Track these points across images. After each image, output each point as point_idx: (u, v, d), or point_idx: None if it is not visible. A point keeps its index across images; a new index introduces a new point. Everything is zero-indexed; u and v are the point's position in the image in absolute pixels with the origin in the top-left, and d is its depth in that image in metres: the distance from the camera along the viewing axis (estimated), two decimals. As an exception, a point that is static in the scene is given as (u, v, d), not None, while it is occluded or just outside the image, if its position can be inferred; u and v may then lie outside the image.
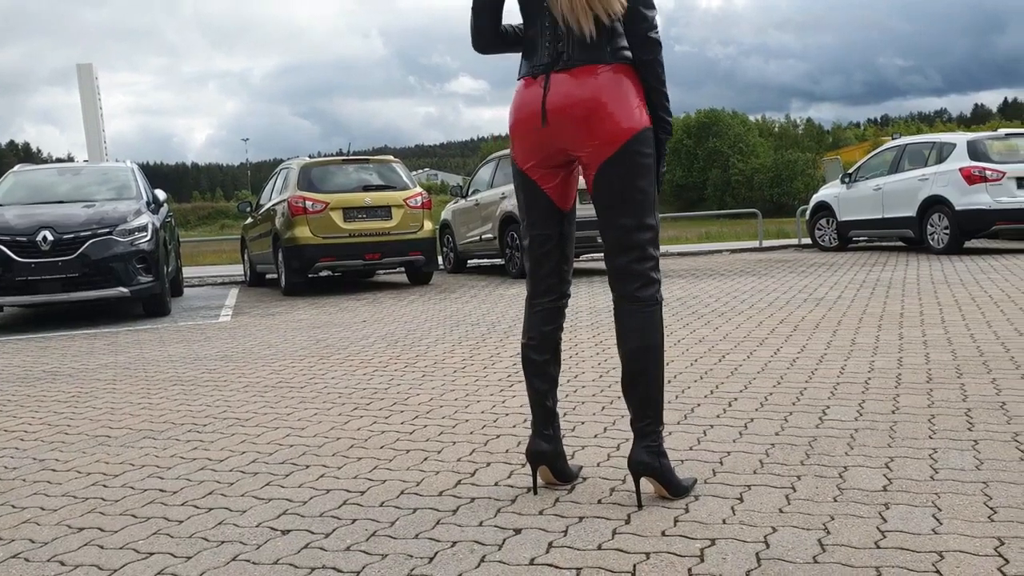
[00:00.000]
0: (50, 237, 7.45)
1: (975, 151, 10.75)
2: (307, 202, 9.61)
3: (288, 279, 9.86)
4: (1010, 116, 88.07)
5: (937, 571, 1.80)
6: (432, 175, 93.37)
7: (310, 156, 11.31)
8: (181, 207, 61.01)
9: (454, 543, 2.10)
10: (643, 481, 2.29)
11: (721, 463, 2.62)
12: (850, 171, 13.15)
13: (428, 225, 10.13)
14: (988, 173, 10.49)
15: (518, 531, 2.16)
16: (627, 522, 2.17)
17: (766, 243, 15.74)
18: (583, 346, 5.03)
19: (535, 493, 2.43)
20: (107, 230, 7.69)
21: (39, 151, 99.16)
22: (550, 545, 2.05)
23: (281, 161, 12.21)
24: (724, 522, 2.14)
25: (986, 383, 3.51)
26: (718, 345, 4.82)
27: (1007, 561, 1.82)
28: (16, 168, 9.61)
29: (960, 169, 10.67)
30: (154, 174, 19.86)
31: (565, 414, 3.33)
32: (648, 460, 2.26)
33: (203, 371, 4.95)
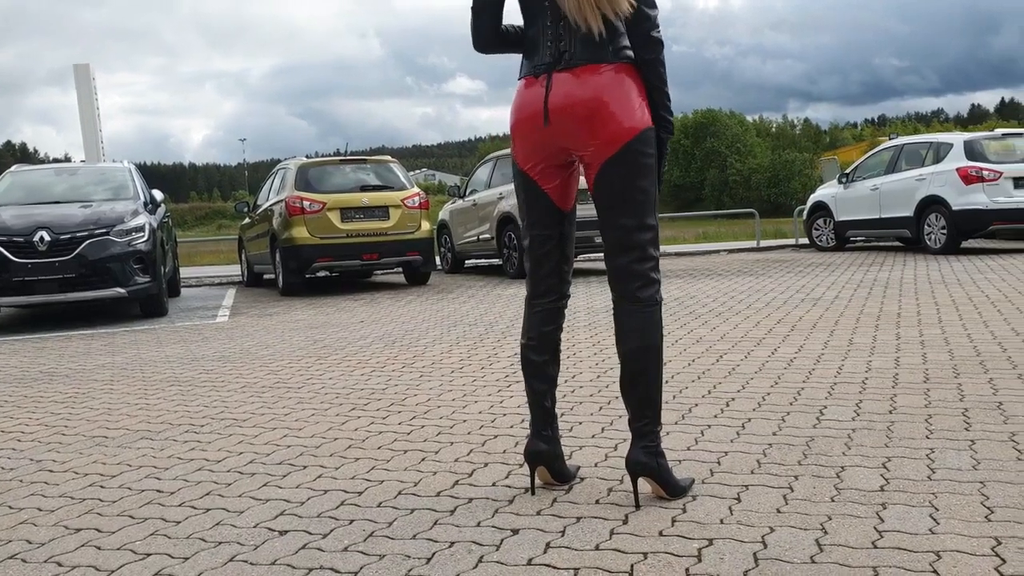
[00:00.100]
0: (47, 237, 7.44)
1: (972, 151, 10.76)
2: (304, 202, 9.60)
3: (285, 279, 9.85)
4: (1007, 116, 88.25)
5: (934, 571, 1.80)
6: (430, 175, 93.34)
7: (307, 156, 11.31)
8: (178, 207, 60.98)
9: (452, 543, 2.10)
10: (641, 481, 2.29)
11: (719, 463, 2.63)
12: (847, 171, 13.15)
13: (426, 225, 10.13)
14: (985, 173, 10.50)
15: (516, 531, 2.16)
16: (625, 522, 2.17)
17: (763, 243, 15.74)
18: (581, 346, 5.03)
19: (533, 493, 2.43)
20: (104, 230, 7.68)
21: (36, 151, 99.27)
22: (548, 545, 2.05)
23: (278, 161, 12.20)
24: (722, 522, 2.14)
25: (983, 383, 3.52)
26: (715, 345, 4.82)
27: (1004, 561, 1.83)
28: (13, 168, 9.59)
29: (957, 169, 10.68)
30: (151, 174, 19.85)
31: (563, 414, 3.32)
32: (646, 460, 2.26)
33: (200, 372, 4.95)
